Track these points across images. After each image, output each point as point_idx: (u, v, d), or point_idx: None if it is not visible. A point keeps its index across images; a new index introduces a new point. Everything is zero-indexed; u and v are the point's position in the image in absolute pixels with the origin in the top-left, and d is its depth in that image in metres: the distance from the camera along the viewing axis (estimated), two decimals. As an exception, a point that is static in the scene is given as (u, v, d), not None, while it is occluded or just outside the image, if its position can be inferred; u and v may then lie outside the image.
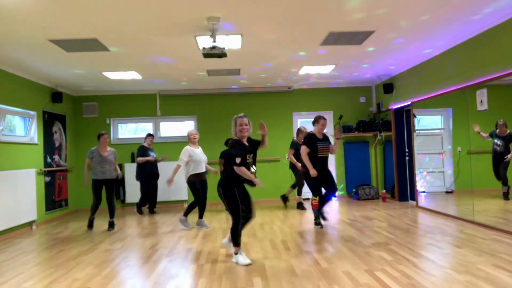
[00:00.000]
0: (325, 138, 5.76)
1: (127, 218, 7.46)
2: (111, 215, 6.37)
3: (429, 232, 5.15)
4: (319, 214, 5.79)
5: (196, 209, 6.20)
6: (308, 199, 8.83)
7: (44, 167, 7.35)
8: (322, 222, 5.87)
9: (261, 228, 5.91)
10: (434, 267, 3.66)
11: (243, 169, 4.01)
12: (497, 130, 5.38)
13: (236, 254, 4.15)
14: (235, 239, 4.15)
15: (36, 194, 6.92)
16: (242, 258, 4.08)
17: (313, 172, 5.50)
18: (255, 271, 3.80)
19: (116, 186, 8.68)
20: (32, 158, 7.00)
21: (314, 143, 5.64)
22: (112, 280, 3.72)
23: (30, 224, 6.74)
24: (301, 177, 7.26)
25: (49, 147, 7.60)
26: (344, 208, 7.58)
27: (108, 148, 6.36)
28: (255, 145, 4.26)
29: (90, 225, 6.44)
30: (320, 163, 5.66)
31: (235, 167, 4.02)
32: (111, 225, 6.32)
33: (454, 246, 4.40)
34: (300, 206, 7.69)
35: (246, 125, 4.15)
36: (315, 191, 5.77)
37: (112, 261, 4.39)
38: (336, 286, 3.31)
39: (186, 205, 8.86)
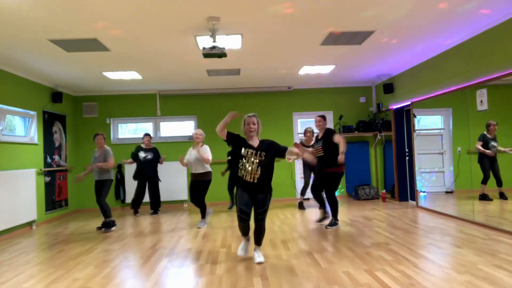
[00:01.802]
0: (322, 138, 5.79)
1: (127, 218, 7.46)
2: (103, 215, 6.22)
3: (429, 232, 5.15)
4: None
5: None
6: (308, 199, 8.84)
7: (44, 167, 7.35)
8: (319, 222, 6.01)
9: (261, 228, 5.91)
10: (434, 267, 3.66)
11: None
12: (487, 132, 5.43)
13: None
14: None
15: (36, 194, 6.91)
16: (239, 247, 4.35)
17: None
18: (255, 271, 3.80)
19: (116, 186, 8.76)
20: (32, 158, 7.00)
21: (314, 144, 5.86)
22: (112, 280, 3.72)
23: (30, 224, 6.74)
24: (308, 177, 7.34)
25: (49, 147, 7.60)
26: (344, 208, 7.58)
27: (106, 147, 6.32)
28: (269, 149, 4.08)
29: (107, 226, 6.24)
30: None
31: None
32: (103, 225, 6.20)
33: (454, 246, 4.40)
34: (301, 206, 7.70)
35: (254, 124, 4.09)
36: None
37: (112, 261, 4.39)
38: (336, 286, 3.31)
39: (185, 205, 8.88)
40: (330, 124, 9.22)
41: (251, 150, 4.03)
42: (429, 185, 7.17)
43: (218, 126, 4.06)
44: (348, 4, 4.32)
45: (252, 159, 4.01)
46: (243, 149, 4.05)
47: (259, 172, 4.00)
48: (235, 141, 4.13)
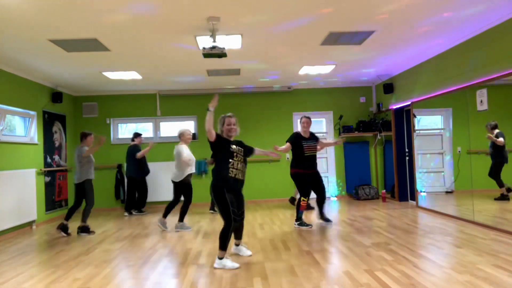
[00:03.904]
0: (311, 137, 5.90)
1: (126, 218, 7.46)
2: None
3: (429, 232, 5.16)
4: (301, 216, 5.89)
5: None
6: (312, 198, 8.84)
7: (44, 167, 7.35)
8: (324, 223, 6.01)
9: (261, 228, 5.91)
10: (434, 267, 3.66)
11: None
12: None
13: (221, 258, 3.97)
14: (223, 242, 3.96)
15: (36, 194, 6.91)
16: (229, 262, 3.95)
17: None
18: (255, 271, 3.80)
19: (116, 186, 8.76)
20: (32, 158, 6.99)
21: (299, 142, 5.77)
22: (112, 280, 3.73)
23: (30, 224, 6.74)
24: None
25: (49, 147, 7.60)
26: (344, 208, 7.58)
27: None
28: (244, 147, 4.19)
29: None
30: (307, 162, 5.79)
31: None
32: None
33: (454, 246, 4.40)
34: (293, 201, 7.87)
35: (234, 124, 4.12)
36: (303, 192, 5.83)
37: (112, 261, 4.40)
38: (336, 286, 3.31)
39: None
40: (330, 124, 9.27)
41: (238, 148, 4.07)
42: (429, 185, 7.17)
43: (207, 125, 3.87)
44: (348, 4, 4.32)
45: (240, 157, 4.05)
46: (233, 146, 4.04)
47: (244, 169, 4.10)
48: (223, 142, 4.06)
